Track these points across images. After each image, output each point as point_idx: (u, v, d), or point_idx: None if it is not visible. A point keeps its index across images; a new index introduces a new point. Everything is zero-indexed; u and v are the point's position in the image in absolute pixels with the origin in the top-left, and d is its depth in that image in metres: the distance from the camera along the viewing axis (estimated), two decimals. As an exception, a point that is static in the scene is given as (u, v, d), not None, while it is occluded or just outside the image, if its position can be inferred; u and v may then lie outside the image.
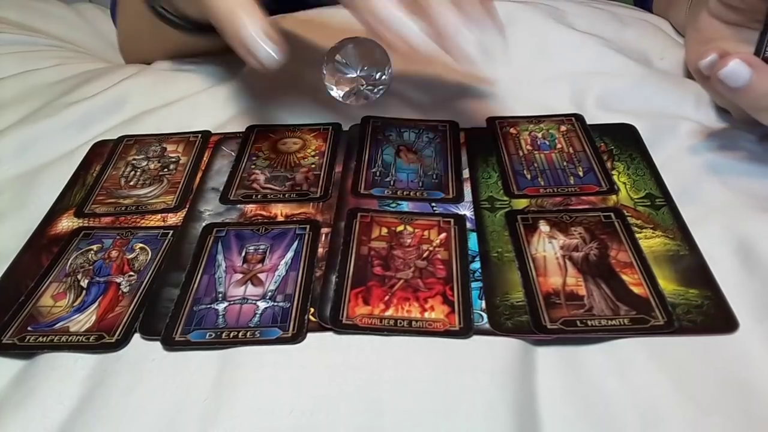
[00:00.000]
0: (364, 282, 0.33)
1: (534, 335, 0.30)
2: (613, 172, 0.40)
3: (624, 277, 0.32)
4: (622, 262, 0.33)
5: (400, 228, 0.36)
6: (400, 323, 0.30)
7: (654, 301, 0.31)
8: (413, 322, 0.30)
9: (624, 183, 0.39)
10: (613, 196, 0.38)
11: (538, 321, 0.30)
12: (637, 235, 0.35)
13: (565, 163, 0.41)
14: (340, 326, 0.30)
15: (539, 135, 0.43)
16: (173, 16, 0.49)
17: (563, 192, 0.38)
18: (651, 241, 0.34)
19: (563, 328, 0.30)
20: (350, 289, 0.32)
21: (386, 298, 0.32)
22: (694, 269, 0.33)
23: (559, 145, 0.42)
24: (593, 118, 0.45)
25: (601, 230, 0.35)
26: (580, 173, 0.40)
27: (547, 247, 0.34)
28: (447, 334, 0.30)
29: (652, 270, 0.33)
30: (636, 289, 0.32)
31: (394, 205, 0.38)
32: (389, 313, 0.31)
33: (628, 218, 0.36)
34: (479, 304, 0.31)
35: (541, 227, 0.36)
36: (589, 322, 0.30)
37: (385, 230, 0.36)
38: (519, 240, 0.35)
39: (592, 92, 0.47)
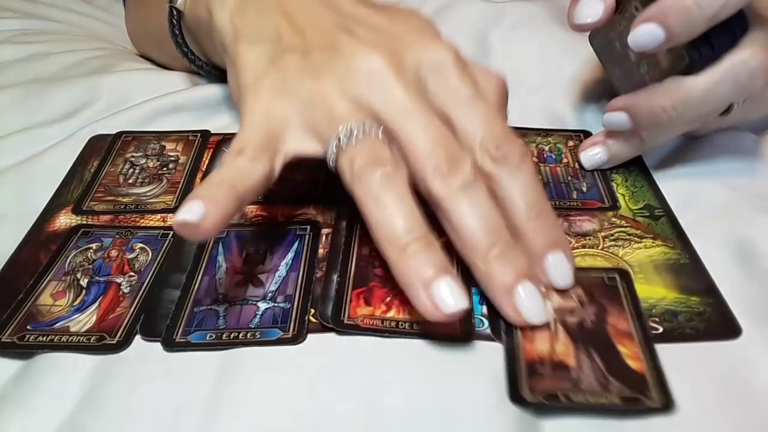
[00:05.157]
0: (366, 282, 0.33)
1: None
2: (612, 184, 0.40)
3: (620, 348, 0.29)
4: (621, 332, 0.30)
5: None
6: (402, 325, 0.30)
7: (651, 378, 0.28)
8: (415, 325, 0.30)
9: (622, 194, 0.39)
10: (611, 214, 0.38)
11: (517, 392, 0.27)
12: (637, 245, 0.35)
13: (569, 178, 0.41)
14: (341, 326, 0.30)
15: (546, 148, 0.43)
16: (199, 60, 0.50)
17: (565, 206, 0.38)
18: (651, 251, 0.35)
19: (544, 402, 0.27)
20: (352, 289, 0.32)
21: (388, 299, 0.32)
22: (695, 277, 0.33)
23: (565, 160, 0.42)
24: (594, 121, 0.45)
25: (602, 293, 0.32)
26: (584, 188, 0.40)
27: None
28: (448, 337, 0.30)
29: (653, 342, 0.29)
30: (632, 363, 0.29)
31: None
32: (391, 314, 0.31)
33: (628, 228, 0.36)
34: (480, 310, 0.31)
35: None
36: (574, 398, 0.27)
37: (386, 233, 0.36)
38: None
39: (592, 95, 0.47)
